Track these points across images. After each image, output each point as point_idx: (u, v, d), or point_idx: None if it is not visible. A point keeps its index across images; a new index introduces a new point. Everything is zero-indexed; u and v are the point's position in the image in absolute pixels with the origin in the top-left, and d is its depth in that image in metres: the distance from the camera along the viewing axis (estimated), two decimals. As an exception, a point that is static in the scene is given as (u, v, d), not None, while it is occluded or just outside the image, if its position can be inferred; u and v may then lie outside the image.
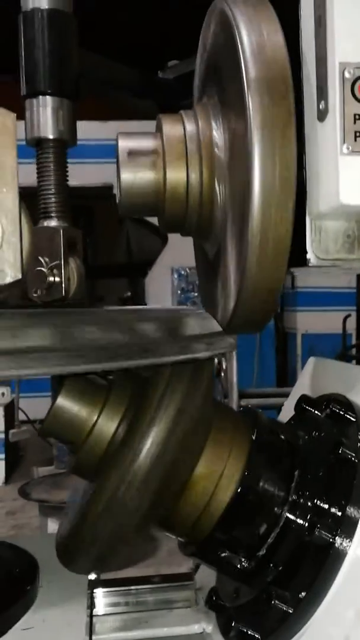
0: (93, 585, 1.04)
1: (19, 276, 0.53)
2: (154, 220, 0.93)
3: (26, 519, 4.39)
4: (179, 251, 7.12)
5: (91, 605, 1.00)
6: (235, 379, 3.91)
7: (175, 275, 6.88)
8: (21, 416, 4.99)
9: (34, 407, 5.56)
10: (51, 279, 1.21)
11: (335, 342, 5.75)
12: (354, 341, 6.04)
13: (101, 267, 8.96)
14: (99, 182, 6.60)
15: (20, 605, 0.87)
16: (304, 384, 1.10)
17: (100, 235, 9.01)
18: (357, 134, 0.70)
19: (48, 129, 1.14)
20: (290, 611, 0.79)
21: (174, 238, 7.27)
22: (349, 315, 5.94)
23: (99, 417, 0.86)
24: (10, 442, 5.26)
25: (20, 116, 1.10)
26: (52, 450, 4.82)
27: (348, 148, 0.70)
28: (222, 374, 3.85)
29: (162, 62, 1.36)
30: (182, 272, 6.78)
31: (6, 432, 5.15)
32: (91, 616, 0.98)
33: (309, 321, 6.47)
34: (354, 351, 5.77)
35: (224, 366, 3.85)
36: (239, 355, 4.06)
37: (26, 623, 0.85)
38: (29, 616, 0.87)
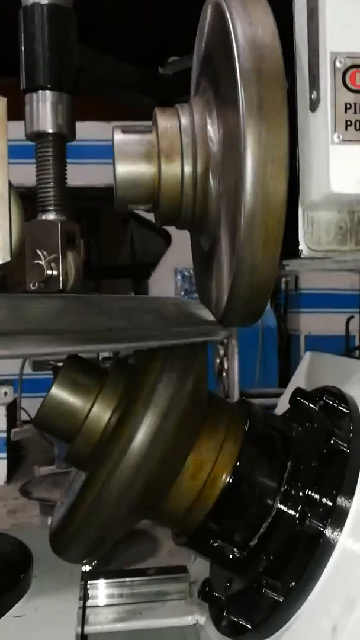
0: (87, 576, 1.05)
1: (8, 259, 0.54)
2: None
3: (27, 518, 4.40)
4: (183, 252, 7.14)
5: (84, 596, 1.01)
6: (236, 379, 3.91)
7: (179, 277, 6.90)
8: (24, 416, 5.00)
9: (36, 407, 5.58)
10: (49, 272, 1.22)
11: (338, 343, 5.76)
12: (357, 343, 6.05)
13: (105, 268, 8.99)
14: (103, 183, 6.63)
15: (13, 593, 0.88)
16: (300, 378, 1.11)
17: (104, 236, 9.04)
18: (348, 123, 0.70)
19: (47, 123, 1.15)
20: (281, 600, 0.80)
21: (177, 239, 7.28)
22: (352, 317, 5.95)
23: (92, 406, 0.86)
24: (12, 442, 5.28)
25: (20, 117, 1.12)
26: (53, 450, 4.83)
27: (339, 137, 0.71)
28: (224, 374, 3.85)
29: (162, 59, 1.37)
30: (186, 273, 6.79)
31: (8, 431, 5.17)
32: (84, 607, 0.99)
33: (312, 323, 6.48)
34: (357, 353, 5.77)
35: (225, 366, 3.85)
36: (241, 355, 4.06)
37: (18, 611, 0.86)
38: (22, 604, 0.88)
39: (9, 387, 5.69)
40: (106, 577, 1.08)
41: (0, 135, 0.54)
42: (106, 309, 0.75)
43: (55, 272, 1.24)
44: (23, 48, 1.16)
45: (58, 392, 0.87)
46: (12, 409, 5.45)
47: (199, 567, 1.14)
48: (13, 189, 0.60)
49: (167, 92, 1.42)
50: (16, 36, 1.14)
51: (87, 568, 1.03)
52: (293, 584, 0.80)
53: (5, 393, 5.69)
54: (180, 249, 7.21)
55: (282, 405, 1.10)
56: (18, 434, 4.72)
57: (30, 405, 5.16)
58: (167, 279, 6.81)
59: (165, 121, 0.87)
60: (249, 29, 0.73)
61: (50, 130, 1.16)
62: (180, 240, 7.49)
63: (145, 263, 7.53)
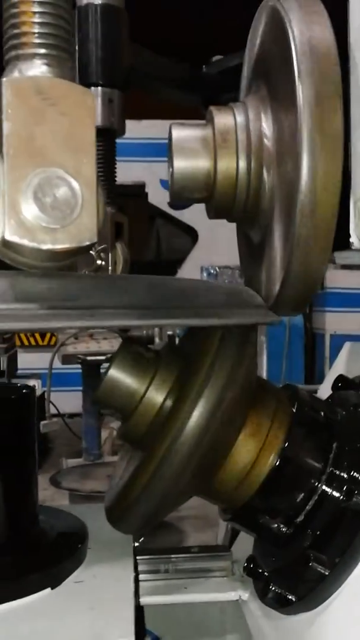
0: (137, 552, 1.10)
1: (95, 239, 0.59)
2: (184, 218, 0.99)
3: (56, 508, 4.47)
4: (209, 250, 7.19)
5: (136, 569, 1.07)
6: (264, 375, 3.94)
7: (205, 274, 6.93)
8: (52, 409, 5.08)
9: (65, 400, 5.68)
10: (98, 262, 1.28)
11: (363, 343, 5.74)
12: (382, 342, 6.02)
13: (131, 265, 9.06)
14: (131, 181, 6.70)
15: (72, 560, 0.93)
16: (340, 366, 1.15)
17: (130, 233, 9.11)
18: None
19: (99, 119, 1.21)
20: (327, 573, 0.84)
21: (204, 237, 7.33)
22: (378, 317, 5.92)
23: (148, 388, 0.91)
24: (41, 434, 5.37)
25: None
26: (79, 443, 4.91)
27: (391, 133, 0.75)
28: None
29: (206, 57, 1.41)
30: (212, 271, 6.82)
31: (37, 423, 5.24)
32: (137, 580, 1.04)
33: (338, 322, 6.46)
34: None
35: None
36: (269, 353, 4.09)
37: (78, 577, 0.92)
38: (80, 571, 0.93)
39: (37, 381, 5.79)
40: (153, 554, 1.14)
41: (89, 125, 0.59)
42: (168, 288, 0.80)
43: (104, 263, 1.30)
44: (77, 46, 1.21)
45: (116, 373, 0.92)
46: (41, 402, 5.53)
47: (240, 548, 1.19)
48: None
49: (211, 90, 1.47)
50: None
51: (136, 544, 1.08)
52: (338, 559, 0.84)
53: (34, 386, 5.78)
54: (206, 246, 7.26)
55: (323, 392, 1.14)
56: (47, 426, 4.80)
57: (59, 399, 5.26)
58: (193, 276, 6.85)
59: (221, 118, 0.91)
60: (306, 29, 0.78)
61: (102, 126, 1.21)
62: (207, 238, 7.54)
63: (171, 260, 7.58)
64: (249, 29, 0.98)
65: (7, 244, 0.59)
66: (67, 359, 4.45)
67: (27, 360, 6.41)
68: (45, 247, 0.58)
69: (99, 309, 0.68)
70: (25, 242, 0.58)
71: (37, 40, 0.63)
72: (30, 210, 0.58)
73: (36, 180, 0.58)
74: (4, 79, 0.59)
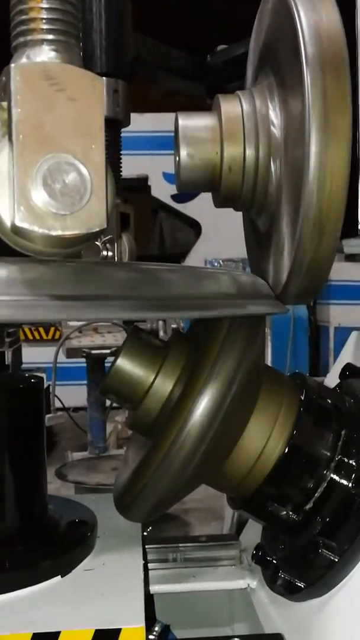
0: (146, 541, 1.11)
1: (104, 225, 0.59)
2: (187, 211, 0.98)
3: (61, 501, 4.50)
4: (213, 243, 7.18)
5: (145, 558, 1.07)
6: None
7: (209, 267, 6.92)
8: (57, 403, 5.09)
9: (69, 394, 5.69)
10: (104, 253, 1.27)
11: (368, 335, 5.73)
12: (387, 335, 6.00)
13: (135, 259, 9.05)
14: (134, 174, 6.69)
15: (82, 548, 0.94)
16: (347, 355, 1.15)
17: (133, 227, 9.10)
18: None
19: (104, 109, 1.20)
20: (336, 560, 0.84)
21: (207, 230, 7.32)
22: (382, 309, 5.90)
23: (156, 377, 0.91)
24: (46, 427, 5.39)
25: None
26: (84, 437, 4.93)
27: None
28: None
29: (211, 47, 1.41)
30: (215, 264, 6.81)
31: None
32: (146, 568, 1.05)
33: (342, 314, 6.45)
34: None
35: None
36: (273, 345, 4.09)
37: (87, 565, 0.92)
38: (90, 559, 0.94)
39: (42, 375, 5.79)
40: (162, 543, 1.14)
41: (98, 111, 0.59)
42: (176, 279, 0.79)
43: (110, 253, 1.29)
44: (81, 36, 1.21)
45: (124, 362, 0.93)
46: (46, 396, 5.55)
47: (247, 537, 1.19)
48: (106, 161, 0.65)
49: (216, 80, 1.47)
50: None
51: (145, 533, 1.08)
52: (348, 545, 0.84)
53: (43, 377, 5.78)
54: (210, 239, 7.25)
55: (330, 382, 1.14)
56: (52, 420, 4.81)
57: (64, 393, 5.27)
58: (197, 270, 6.82)
59: (228, 107, 0.91)
60: (313, 16, 0.77)
61: (107, 116, 1.21)
62: (210, 231, 7.54)
63: (175, 253, 7.57)
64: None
65: (17, 230, 0.59)
66: (71, 353, 4.46)
67: (32, 355, 6.42)
68: (55, 233, 0.58)
69: (114, 300, 0.68)
70: (35, 228, 0.58)
71: (45, 26, 0.63)
72: (39, 197, 0.58)
73: (45, 166, 0.58)
74: (12, 65, 0.59)
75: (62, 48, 0.64)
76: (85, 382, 4.58)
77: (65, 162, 0.58)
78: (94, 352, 4.26)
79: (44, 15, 0.63)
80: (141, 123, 6.23)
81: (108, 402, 4.37)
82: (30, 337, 7.38)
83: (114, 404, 4.05)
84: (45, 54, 0.63)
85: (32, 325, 7.33)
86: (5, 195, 0.59)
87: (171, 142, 0.96)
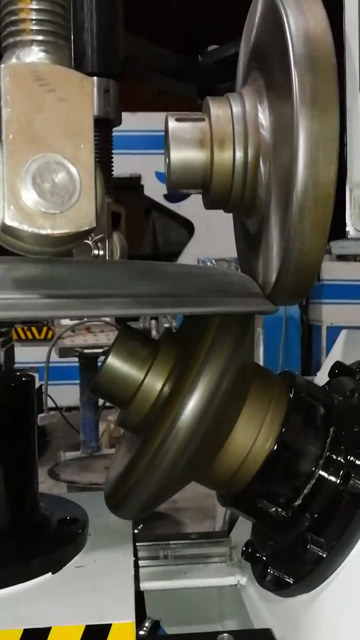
0: (137, 538, 1.12)
1: (94, 224, 0.60)
2: (180, 211, 0.99)
3: (54, 500, 4.49)
4: (205, 243, 7.19)
5: (136, 555, 1.08)
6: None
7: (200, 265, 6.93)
8: (49, 403, 5.08)
9: (62, 394, 5.69)
10: (96, 252, 1.28)
11: None
12: (379, 334, 6.03)
13: (127, 258, 9.05)
14: (127, 173, 6.69)
15: (73, 546, 0.94)
16: (336, 354, 1.16)
17: (126, 226, 9.11)
18: None
19: (95, 109, 1.21)
20: (325, 555, 0.85)
21: (200, 229, 7.33)
22: (374, 308, 5.93)
23: (146, 376, 0.92)
24: (38, 427, 5.38)
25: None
26: (76, 436, 4.93)
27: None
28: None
29: (202, 47, 1.41)
30: (208, 264, 6.82)
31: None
32: (137, 565, 1.05)
33: (334, 313, 6.48)
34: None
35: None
36: (265, 344, 4.11)
37: (78, 562, 0.93)
38: (81, 557, 0.95)
39: (35, 374, 5.78)
40: (153, 540, 1.15)
41: (87, 111, 0.60)
42: (167, 276, 0.80)
43: (101, 252, 1.30)
44: (72, 36, 1.22)
45: (114, 361, 0.93)
46: (38, 395, 5.54)
47: (237, 534, 1.20)
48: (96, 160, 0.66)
49: (207, 80, 1.47)
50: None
51: (136, 530, 1.09)
52: (336, 541, 0.85)
53: (34, 375, 5.77)
54: (202, 239, 7.27)
55: (320, 379, 1.15)
56: (44, 420, 4.81)
57: (56, 392, 5.27)
58: (189, 269, 6.83)
59: (217, 109, 0.91)
60: (301, 19, 0.78)
61: (98, 116, 1.21)
62: (203, 230, 7.55)
63: (168, 253, 7.58)
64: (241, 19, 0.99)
65: (6, 229, 0.60)
66: (64, 352, 4.46)
67: (25, 354, 6.42)
68: (44, 232, 0.59)
69: (103, 298, 0.69)
70: (24, 227, 0.59)
71: (35, 27, 0.63)
72: (29, 196, 0.58)
73: (35, 165, 0.58)
74: (2, 66, 0.59)
75: (51, 49, 0.65)
76: (78, 381, 4.58)
77: (55, 161, 0.59)
78: (86, 351, 4.26)
79: (34, 16, 0.63)
80: (134, 122, 6.24)
81: (101, 402, 4.37)
82: (22, 336, 7.37)
83: (107, 404, 4.05)
84: (34, 55, 0.63)
85: (24, 325, 7.32)
86: (-6, 195, 0.60)
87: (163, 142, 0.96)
